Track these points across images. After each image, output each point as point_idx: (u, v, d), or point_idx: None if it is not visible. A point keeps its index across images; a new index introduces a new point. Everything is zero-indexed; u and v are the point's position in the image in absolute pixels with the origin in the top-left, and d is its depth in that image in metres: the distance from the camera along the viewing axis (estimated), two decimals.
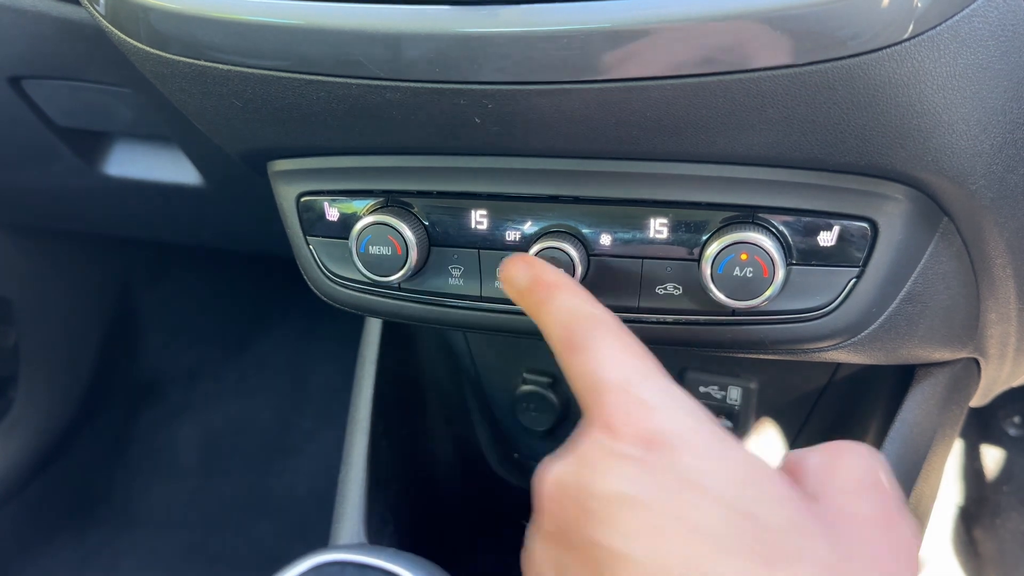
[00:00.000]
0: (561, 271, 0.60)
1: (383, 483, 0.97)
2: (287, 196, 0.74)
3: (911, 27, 0.49)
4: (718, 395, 1.01)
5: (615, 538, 0.43)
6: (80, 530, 1.78)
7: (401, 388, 1.05)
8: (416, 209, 0.69)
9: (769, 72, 0.51)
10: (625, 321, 0.68)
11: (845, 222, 0.62)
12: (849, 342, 0.67)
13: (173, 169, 1.12)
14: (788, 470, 0.50)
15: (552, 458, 0.49)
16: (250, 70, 0.59)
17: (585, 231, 0.66)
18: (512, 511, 1.18)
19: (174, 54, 0.60)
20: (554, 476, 0.48)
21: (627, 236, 0.66)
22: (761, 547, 0.41)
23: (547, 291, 0.58)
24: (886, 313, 0.66)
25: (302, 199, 0.73)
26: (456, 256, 0.70)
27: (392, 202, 0.70)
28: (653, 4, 0.50)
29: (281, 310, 2.05)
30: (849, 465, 0.50)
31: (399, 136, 0.63)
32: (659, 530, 0.42)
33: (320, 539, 0.94)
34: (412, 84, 0.56)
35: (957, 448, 1.44)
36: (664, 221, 0.64)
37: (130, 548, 1.76)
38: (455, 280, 0.70)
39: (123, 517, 1.81)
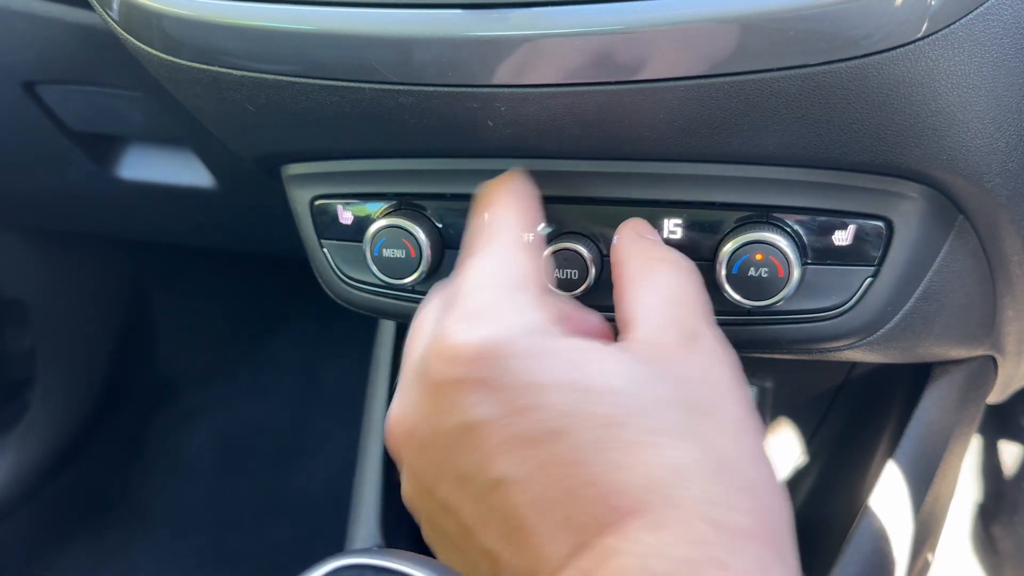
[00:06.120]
0: (518, 199, 0.59)
1: (398, 484, 0.97)
2: (301, 200, 0.74)
3: (925, 26, 0.48)
4: None
5: (487, 466, 0.43)
6: (96, 532, 1.79)
7: None
8: (429, 212, 0.69)
9: (782, 72, 0.50)
10: None
11: (860, 221, 0.61)
12: (865, 341, 0.66)
13: (186, 172, 1.12)
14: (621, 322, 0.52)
15: (397, 402, 0.51)
16: (263, 75, 0.59)
17: (599, 232, 0.66)
18: None
19: (187, 60, 0.60)
20: (404, 426, 0.50)
21: None
22: (608, 427, 0.42)
23: (492, 196, 0.58)
24: (902, 312, 0.65)
25: (316, 203, 0.73)
26: None
27: (405, 205, 0.70)
28: (664, 5, 0.50)
29: (295, 312, 2.06)
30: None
31: (412, 139, 0.63)
32: (518, 442, 0.43)
33: (336, 540, 0.95)
34: (424, 88, 0.56)
35: (974, 445, 1.43)
36: (678, 221, 0.64)
37: (146, 550, 1.77)
38: None
39: (139, 519, 1.82)
